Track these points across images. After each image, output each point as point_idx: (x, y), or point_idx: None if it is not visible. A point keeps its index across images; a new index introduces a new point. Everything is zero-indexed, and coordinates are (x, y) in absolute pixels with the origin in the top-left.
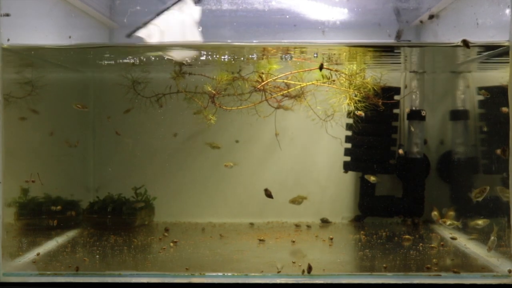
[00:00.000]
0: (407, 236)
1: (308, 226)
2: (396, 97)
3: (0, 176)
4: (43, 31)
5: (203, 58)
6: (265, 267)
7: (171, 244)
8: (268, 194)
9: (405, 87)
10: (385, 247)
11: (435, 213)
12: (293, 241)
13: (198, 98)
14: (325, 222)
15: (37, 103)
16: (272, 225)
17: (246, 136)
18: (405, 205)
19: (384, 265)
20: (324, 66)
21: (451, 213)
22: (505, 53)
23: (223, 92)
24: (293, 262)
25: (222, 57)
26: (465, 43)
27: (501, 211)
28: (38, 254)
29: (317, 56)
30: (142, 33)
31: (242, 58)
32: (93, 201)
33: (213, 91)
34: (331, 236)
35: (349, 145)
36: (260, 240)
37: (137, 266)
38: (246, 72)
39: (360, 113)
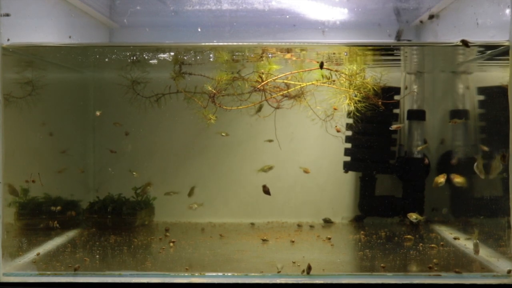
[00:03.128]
0: (408, 236)
1: (311, 226)
2: (396, 97)
3: (0, 176)
4: (43, 31)
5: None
6: (265, 267)
7: (171, 244)
8: (266, 190)
9: (406, 87)
10: (385, 247)
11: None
12: (293, 241)
13: (198, 98)
14: (327, 222)
15: (37, 102)
16: (272, 225)
17: (245, 136)
18: (405, 205)
19: (382, 265)
20: (324, 66)
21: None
22: (505, 53)
23: (223, 92)
24: (293, 262)
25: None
26: (465, 43)
27: (501, 211)
28: (38, 254)
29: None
30: None
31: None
32: (93, 201)
33: (213, 90)
34: (329, 236)
35: (349, 145)
36: (263, 240)
37: (137, 266)
38: (246, 72)
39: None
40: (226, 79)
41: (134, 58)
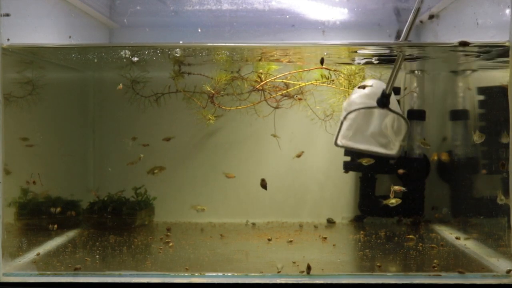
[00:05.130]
0: (410, 236)
1: (315, 227)
2: (396, 97)
3: (0, 176)
4: (43, 31)
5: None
6: (265, 267)
7: (170, 244)
8: (264, 184)
9: (405, 88)
10: (385, 247)
11: None
12: (291, 241)
13: (197, 98)
14: (330, 222)
15: (37, 102)
16: (272, 225)
17: (245, 136)
18: (405, 205)
19: (378, 264)
20: (324, 66)
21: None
22: (505, 53)
23: (222, 92)
24: (293, 262)
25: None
26: (463, 44)
27: (501, 211)
28: (38, 254)
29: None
30: None
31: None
32: (93, 201)
33: (212, 90)
34: (325, 236)
35: None
36: (269, 239)
37: (137, 266)
38: (245, 72)
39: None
40: (226, 79)
41: (131, 57)
